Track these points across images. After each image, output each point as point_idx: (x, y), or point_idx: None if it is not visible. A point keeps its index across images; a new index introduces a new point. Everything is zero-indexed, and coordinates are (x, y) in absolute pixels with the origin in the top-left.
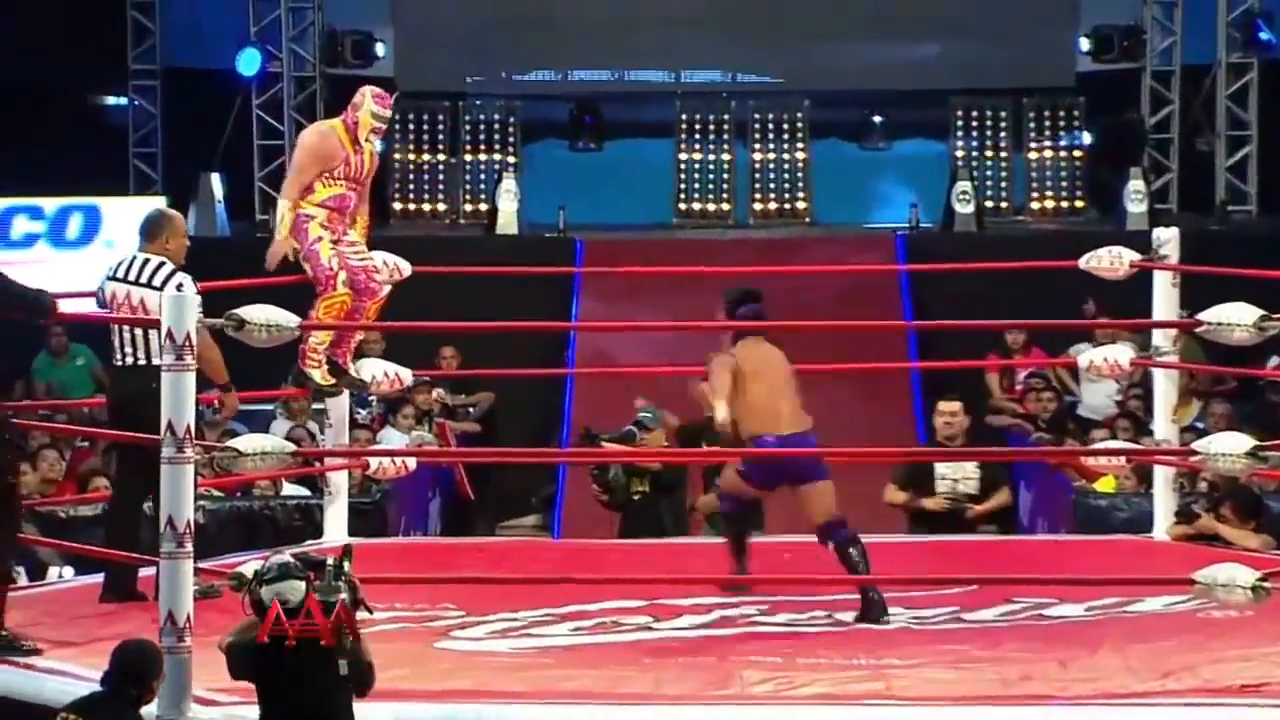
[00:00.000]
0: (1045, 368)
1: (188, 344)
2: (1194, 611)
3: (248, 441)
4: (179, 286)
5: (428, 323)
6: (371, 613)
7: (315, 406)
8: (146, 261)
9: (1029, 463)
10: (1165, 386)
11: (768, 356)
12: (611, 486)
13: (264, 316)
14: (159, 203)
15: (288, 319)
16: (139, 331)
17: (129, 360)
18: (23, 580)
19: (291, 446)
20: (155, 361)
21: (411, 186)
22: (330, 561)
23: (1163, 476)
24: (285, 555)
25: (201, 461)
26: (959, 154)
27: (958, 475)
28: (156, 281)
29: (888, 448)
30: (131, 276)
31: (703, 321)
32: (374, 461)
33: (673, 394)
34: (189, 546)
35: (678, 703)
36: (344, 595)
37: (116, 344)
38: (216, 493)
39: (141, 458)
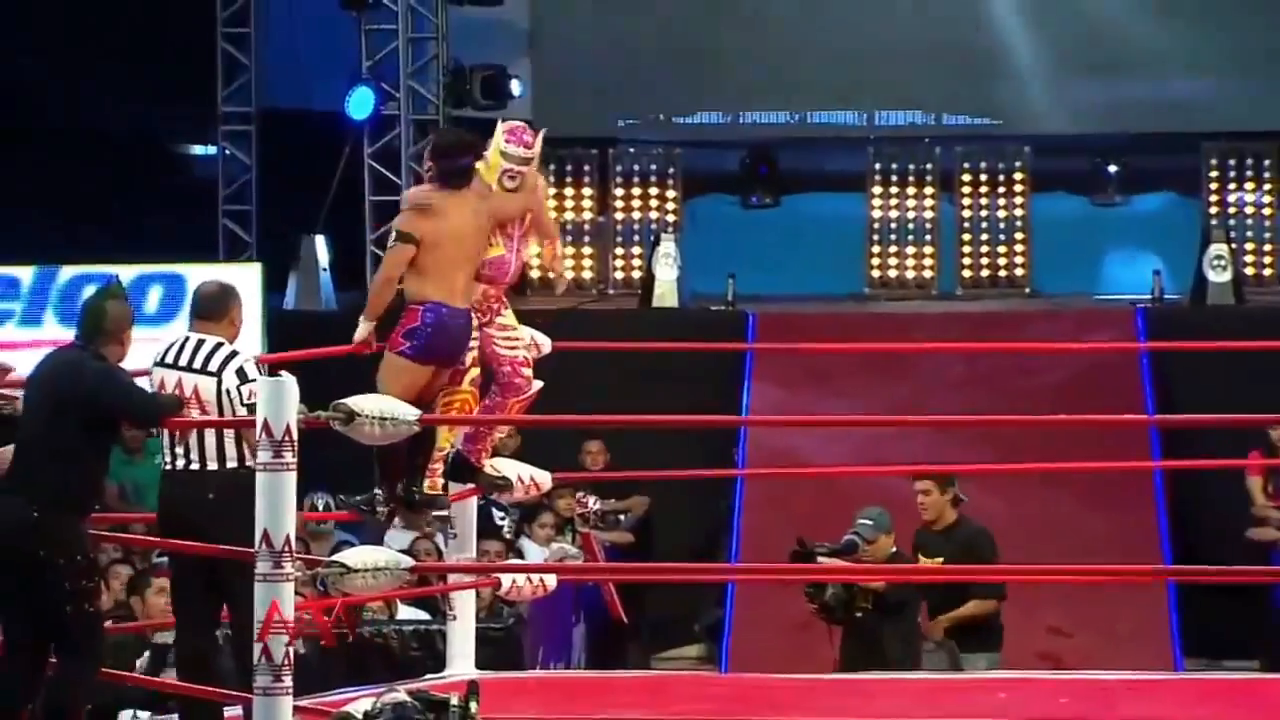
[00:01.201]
0: None
1: (288, 439)
2: None
3: (358, 555)
4: (240, 372)
5: (570, 417)
6: None
7: (438, 514)
8: (201, 343)
9: None
10: None
11: (463, 220)
12: (830, 606)
13: (377, 408)
14: (252, 272)
15: (406, 412)
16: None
17: (179, 464)
18: None
19: (409, 561)
20: (211, 465)
21: None
22: (454, 701)
23: None
24: (400, 693)
25: (302, 579)
26: (1213, 210)
27: None
28: (213, 366)
29: (1129, 565)
30: (184, 361)
31: (904, 416)
32: (506, 579)
33: (872, 499)
34: (287, 681)
35: None
36: None
37: (166, 444)
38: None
39: (201, 579)
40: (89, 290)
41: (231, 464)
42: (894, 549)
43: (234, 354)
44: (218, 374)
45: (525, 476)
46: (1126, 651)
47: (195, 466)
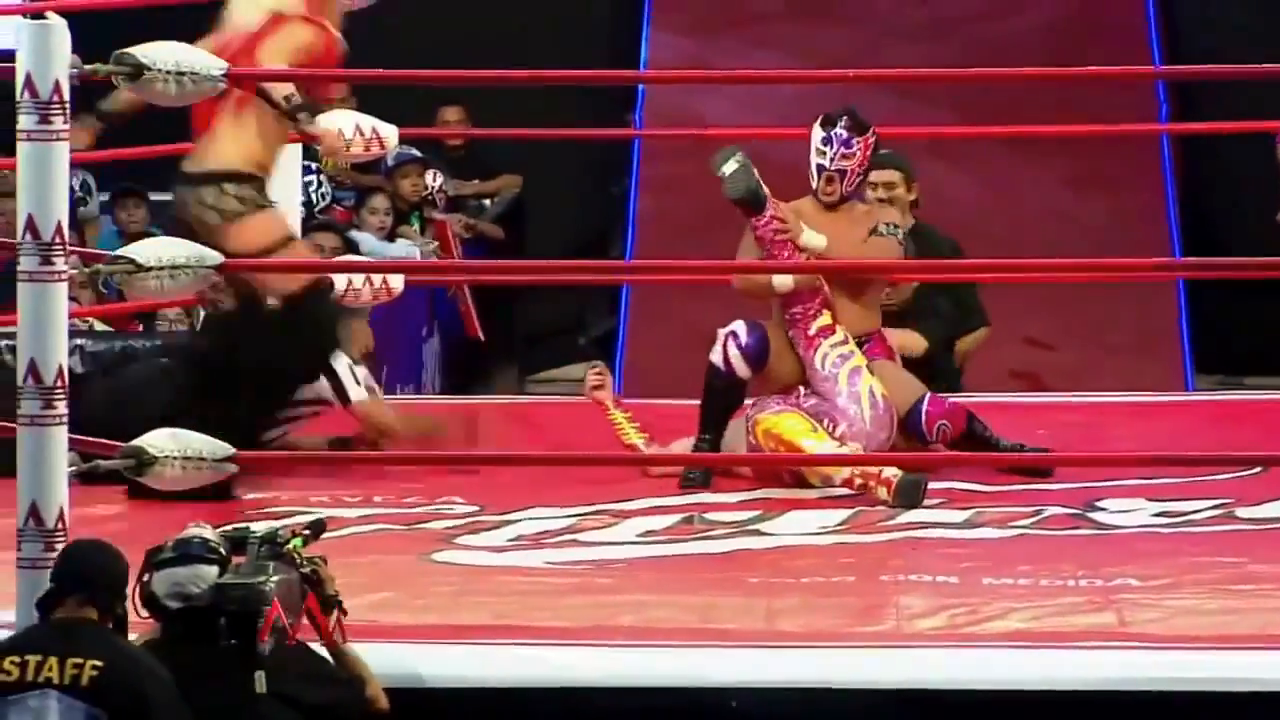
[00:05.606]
0: None
1: (58, 98)
2: None
3: (148, 248)
4: None
5: (422, 72)
6: (345, 613)
7: None
8: None
9: None
10: None
11: None
12: None
13: (174, 59)
14: None
15: (208, 64)
16: None
17: None
18: None
19: (216, 256)
20: None
21: None
22: (274, 534)
23: None
24: (198, 529)
25: (79, 278)
26: None
27: None
28: None
29: (1128, 259)
30: None
31: (844, 70)
32: (339, 280)
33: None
34: (61, 407)
35: (803, 645)
36: (279, 578)
37: None
38: (102, 324)
39: None
40: None
41: None
42: None
43: None
44: None
45: (366, 129)
46: (1122, 368)
47: None
